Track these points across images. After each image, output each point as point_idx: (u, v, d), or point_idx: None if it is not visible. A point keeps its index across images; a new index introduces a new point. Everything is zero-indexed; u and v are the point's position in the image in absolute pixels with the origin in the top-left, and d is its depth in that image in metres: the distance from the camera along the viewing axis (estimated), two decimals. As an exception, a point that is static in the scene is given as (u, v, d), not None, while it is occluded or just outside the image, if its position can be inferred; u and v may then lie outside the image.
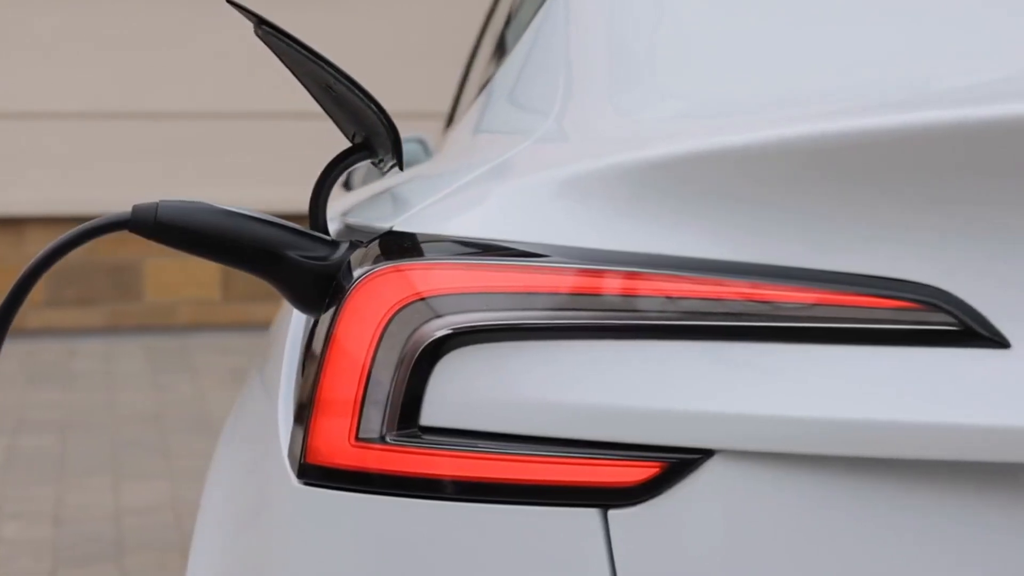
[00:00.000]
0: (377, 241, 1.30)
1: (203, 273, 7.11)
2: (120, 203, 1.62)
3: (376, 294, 1.24)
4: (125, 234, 1.34)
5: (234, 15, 1.39)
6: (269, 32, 1.35)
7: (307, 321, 1.46)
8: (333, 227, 1.43)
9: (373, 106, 1.31)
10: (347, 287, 1.26)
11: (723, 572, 1.17)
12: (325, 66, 1.32)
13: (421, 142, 3.95)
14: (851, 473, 1.16)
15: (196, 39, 7.17)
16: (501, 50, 2.02)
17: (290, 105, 6.87)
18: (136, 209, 1.33)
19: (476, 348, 1.20)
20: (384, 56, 8.13)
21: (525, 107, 1.55)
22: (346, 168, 1.47)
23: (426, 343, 1.21)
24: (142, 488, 4.64)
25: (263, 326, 8.21)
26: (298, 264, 1.32)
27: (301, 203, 1.67)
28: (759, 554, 1.16)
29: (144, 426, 5.40)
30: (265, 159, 7.32)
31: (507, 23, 2.21)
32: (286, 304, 1.91)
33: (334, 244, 1.33)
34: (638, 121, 1.36)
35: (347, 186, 3.64)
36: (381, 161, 1.48)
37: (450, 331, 1.21)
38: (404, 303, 1.22)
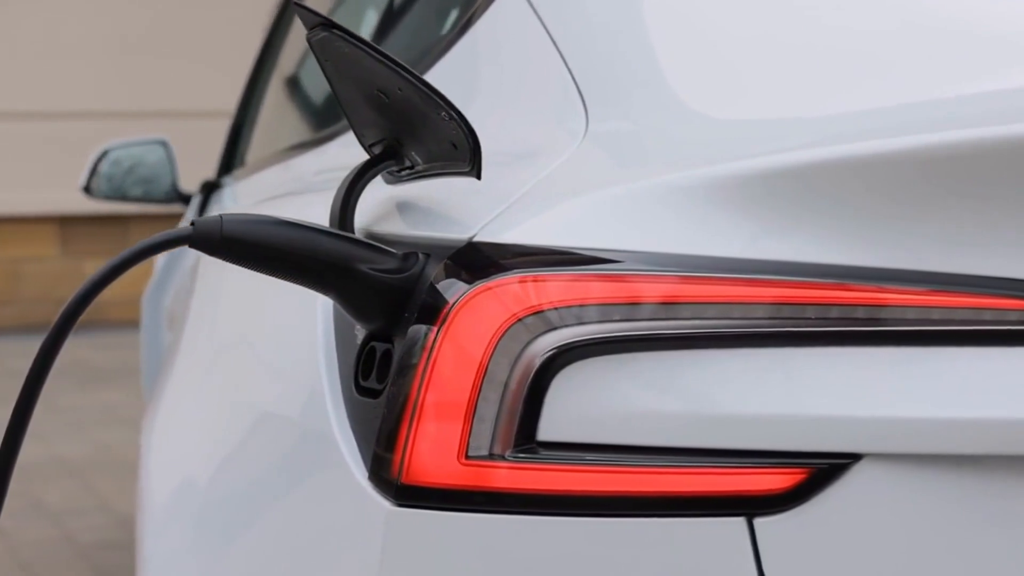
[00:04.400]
0: (459, 253, 1.25)
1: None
2: None
3: (483, 311, 1.19)
4: None
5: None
6: (336, 34, 1.29)
7: (339, 331, 1.39)
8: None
9: (453, 113, 1.26)
10: (445, 304, 1.21)
11: None
12: (401, 71, 1.26)
13: (164, 144, 3.81)
14: (1003, 473, 1.17)
15: None
16: (418, 49, 1.95)
17: None
18: (198, 223, 1.25)
19: (594, 361, 1.18)
20: (55, 55, 7.77)
21: (542, 105, 1.47)
22: (370, 180, 1.41)
23: (541, 359, 1.18)
24: None
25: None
26: (369, 278, 1.27)
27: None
28: (910, 558, 1.17)
29: None
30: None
31: (386, 23, 2.15)
32: (238, 312, 1.80)
33: (406, 257, 1.28)
34: (720, 123, 1.32)
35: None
36: (402, 170, 1.42)
37: (566, 345, 1.17)
38: (516, 319, 1.18)
